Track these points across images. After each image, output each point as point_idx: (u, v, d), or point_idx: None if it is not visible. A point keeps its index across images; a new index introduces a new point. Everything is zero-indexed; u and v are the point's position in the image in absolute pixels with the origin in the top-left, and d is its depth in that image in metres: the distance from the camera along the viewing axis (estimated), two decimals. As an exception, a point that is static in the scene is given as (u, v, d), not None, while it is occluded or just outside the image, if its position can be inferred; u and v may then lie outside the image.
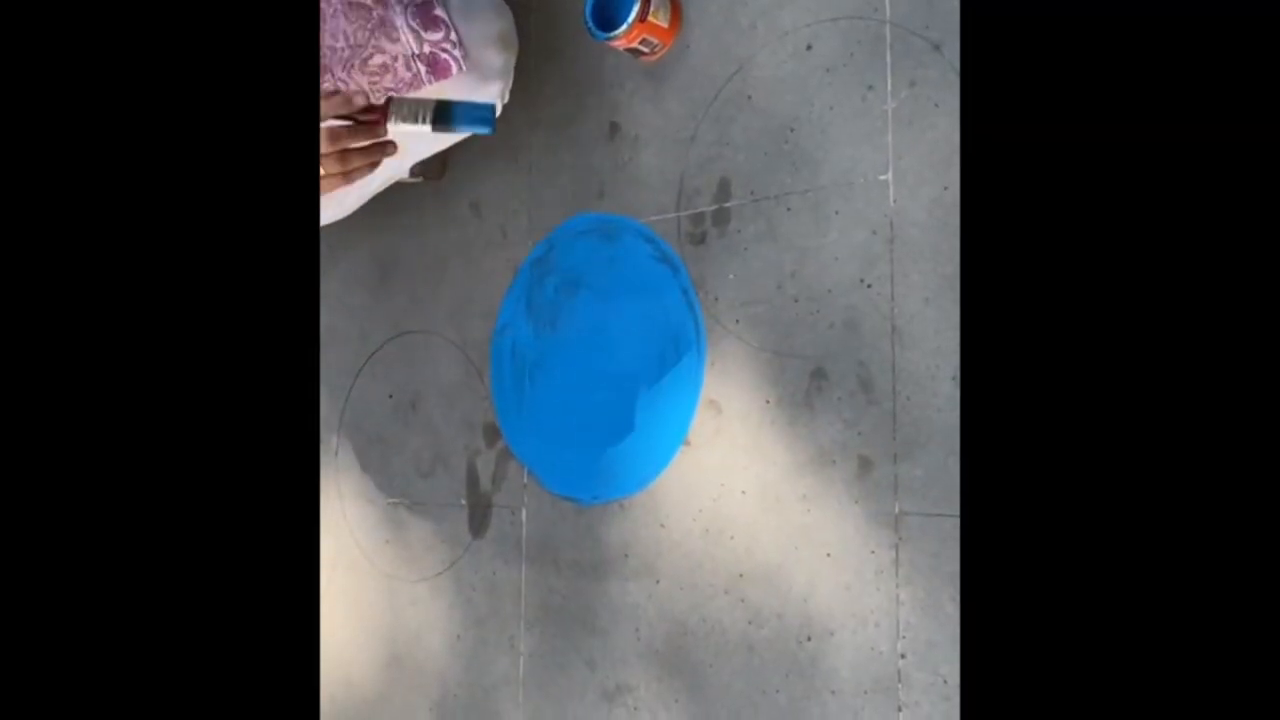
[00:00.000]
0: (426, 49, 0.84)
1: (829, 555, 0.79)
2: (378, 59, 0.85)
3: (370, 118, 0.71)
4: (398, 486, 1.13)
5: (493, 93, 0.89)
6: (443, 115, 0.75)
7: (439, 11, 0.85)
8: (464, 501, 1.07)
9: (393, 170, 0.97)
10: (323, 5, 0.85)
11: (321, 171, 0.69)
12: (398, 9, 0.84)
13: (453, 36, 0.85)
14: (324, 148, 0.68)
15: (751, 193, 0.86)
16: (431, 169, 1.10)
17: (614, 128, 0.96)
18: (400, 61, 0.85)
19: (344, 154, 0.69)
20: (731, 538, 0.85)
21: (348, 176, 0.70)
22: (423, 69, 0.84)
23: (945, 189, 0.75)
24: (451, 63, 0.85)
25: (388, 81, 0.85)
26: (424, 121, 0.74)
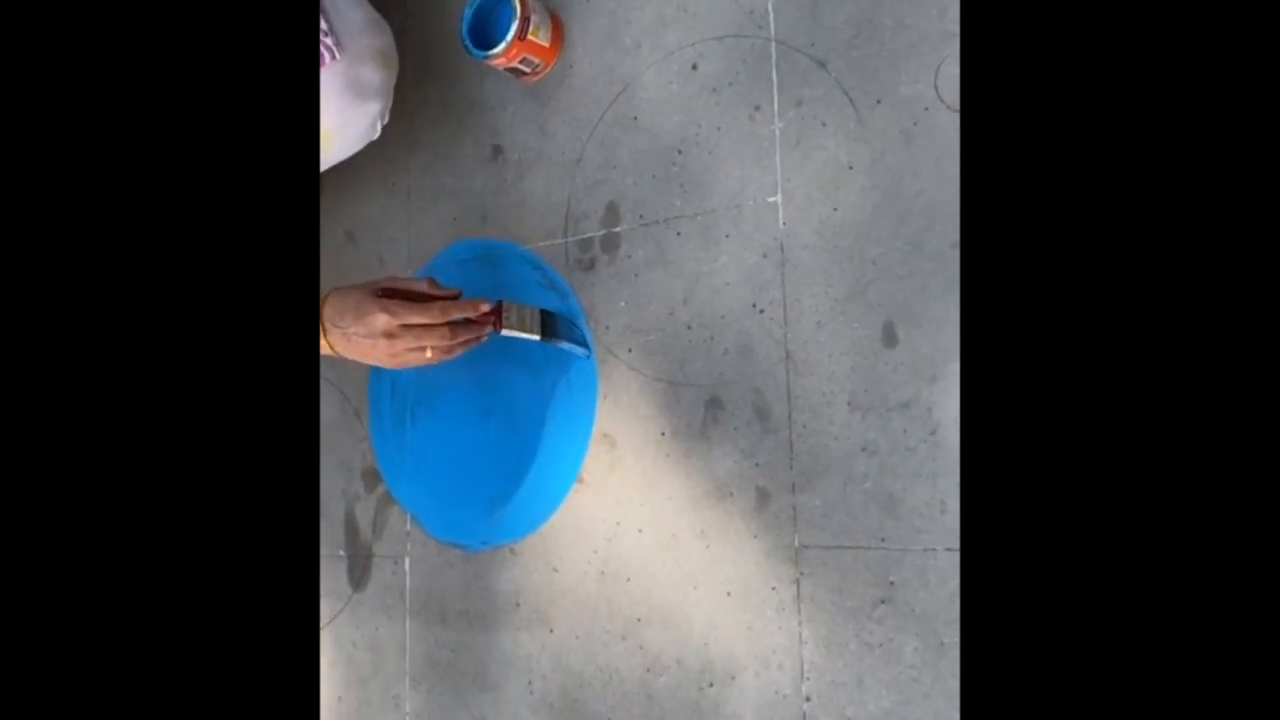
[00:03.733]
0: None
1: (729, 594, 0.75)
2: None
3: (486, 320, 0.78)
4: (270, 538, 1.04)
5: (371, 111, 0.84)
6: (549, 327, 0.81)
7: None
8: (343, 552, 0.99)
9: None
10: None
11: (429, 355, 0.77)
12: None
13: (323, 26, 0.79)
14: (445, 340, 0.76)
15: (640, 217, 0.82)
16: (303, 196, 1.03)
17: (496, 150, 0.91)
18: None
19: (453, 345, 0.78)
20: (628, 579, 0.81)
21: (450, 354, 0.78)
22: None
23: (834, 210, 0.73)
24: (324, 52, 0.79)
25: None
26: (533, 331, 0.80)
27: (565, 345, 0.82)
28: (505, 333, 0.79)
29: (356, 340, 0.76)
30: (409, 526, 0.94)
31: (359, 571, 0.97)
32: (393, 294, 0.77)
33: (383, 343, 0.76)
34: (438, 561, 0.92)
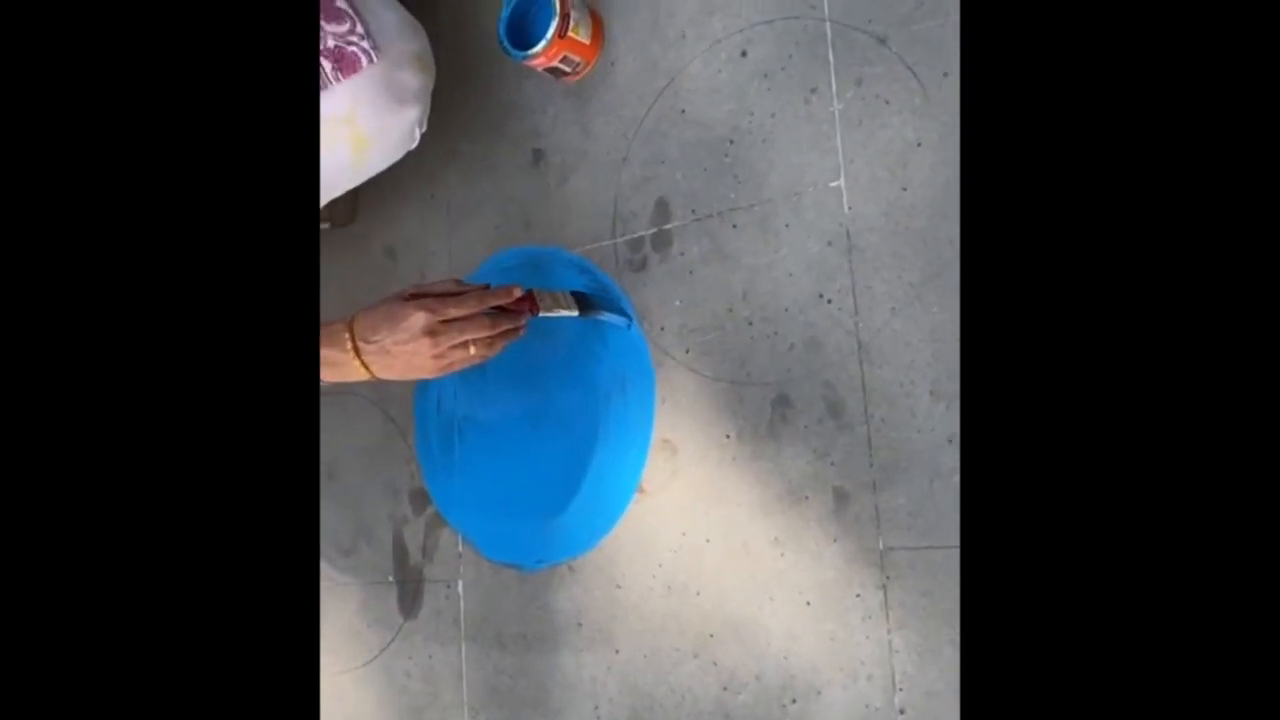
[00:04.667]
0: (331, 43, 0.76)
1: (808, 603, 0.71)
2: None
3: (520, 306, 0.74)
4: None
5: (410, 118, 0.81)
6: (585, 303, 0.79)
7: (341, 3, 0.76)
8: (392, 578, 0.95)
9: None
10: None
11: (472, 350, 0.73)
12: None
13: (359, 29, 0.76)
14: (486, 330, 0.72)
15: (693, 212, 0.79)
16: (340, 213, 1.00)
17: (537, 154, 0.88)
18: None
19: (494, 337, 0.74)
20: (697, 593, 0.76)
21: (493, 348, 0.74)
22: (328, 66, 0.76)
23: (904, 190, 0.69)
24: (361, 55, 0.76)
25: None
26: (570, 308, 0.77)
27: (604, 316, 0.80)
28: (543, 314, 0.75)
29: (396, 351, 0.72)
30: (461, 548, 0.91)
31: (410, 598, 0.94)
32: (422, 295, 0.73)
33: (425, 343, 0.71)
34: (493, 583, 0.88)
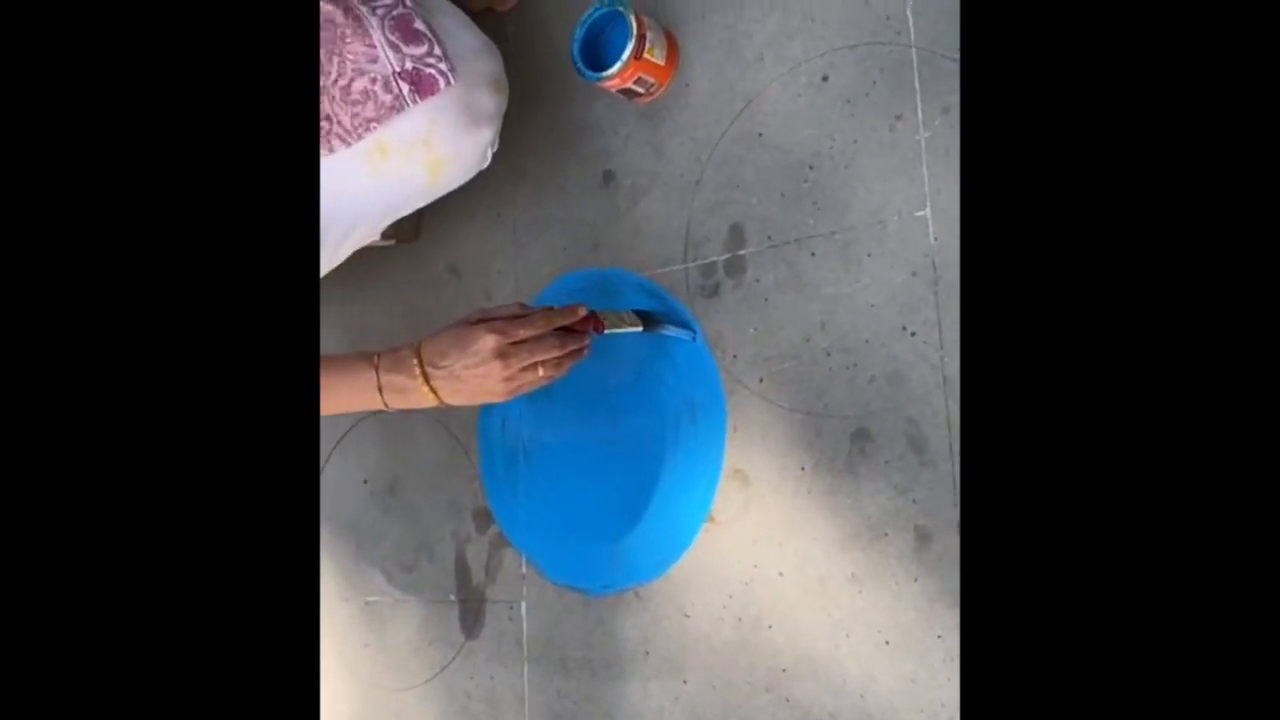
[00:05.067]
0: (409, 65, 0.75)
1: (887, 642, 0.69)
2: (359, 84, 0.75)
3: (585, 324, 0.74)
4: (376, 583, 1.01)
5: (484, 139, 0.81)
6: (649, 319, 0.78)
7: (419, 24, 0.76)
8: (454, 597, 0.95)
9: (364, 234, 0.88)
10: None
11: (540, 372, 0.72)
12: (373, 21, 0.75)
13: (437, 51, 0.76)
14: (555, 351, 0.72)
15: (769, 238, 0.78)
16: (404, 231, 1.00)
17: (608, 176, 0.88)
18: (379, 84, 0.75)
19: (562, 358, 0.73)
20: (770, 627, 0.75)
21: (561, 369, 0.73)
22: (405, 88, 0.75)
23: (994, 222, 0.67)
24: (439, 77, 0.76)
25: (369, 111, 0.75)
26: (634, 324, 0.77)
27: (669, 331, 0.80)
28: (608, 331, 0.75)
29: (465, 376, 0.72)
30: (524, 569, 0.90)
31: (471, 617, 0.93)
32: (489, 319, 0.73)
33: (496, 366, 0.71)
34: (557, 606, 0.87)
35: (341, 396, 0.74)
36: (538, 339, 0.72)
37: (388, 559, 1.00)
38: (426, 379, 0.72)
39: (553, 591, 0.88)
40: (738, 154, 0.80)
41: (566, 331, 0.74)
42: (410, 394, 0.73)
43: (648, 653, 0.81)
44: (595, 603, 0.85)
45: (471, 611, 0.94)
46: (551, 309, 0.74)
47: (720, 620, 0.77)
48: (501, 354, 0.71)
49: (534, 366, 0.72)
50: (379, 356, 0.73)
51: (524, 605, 0.90)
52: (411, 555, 0.99)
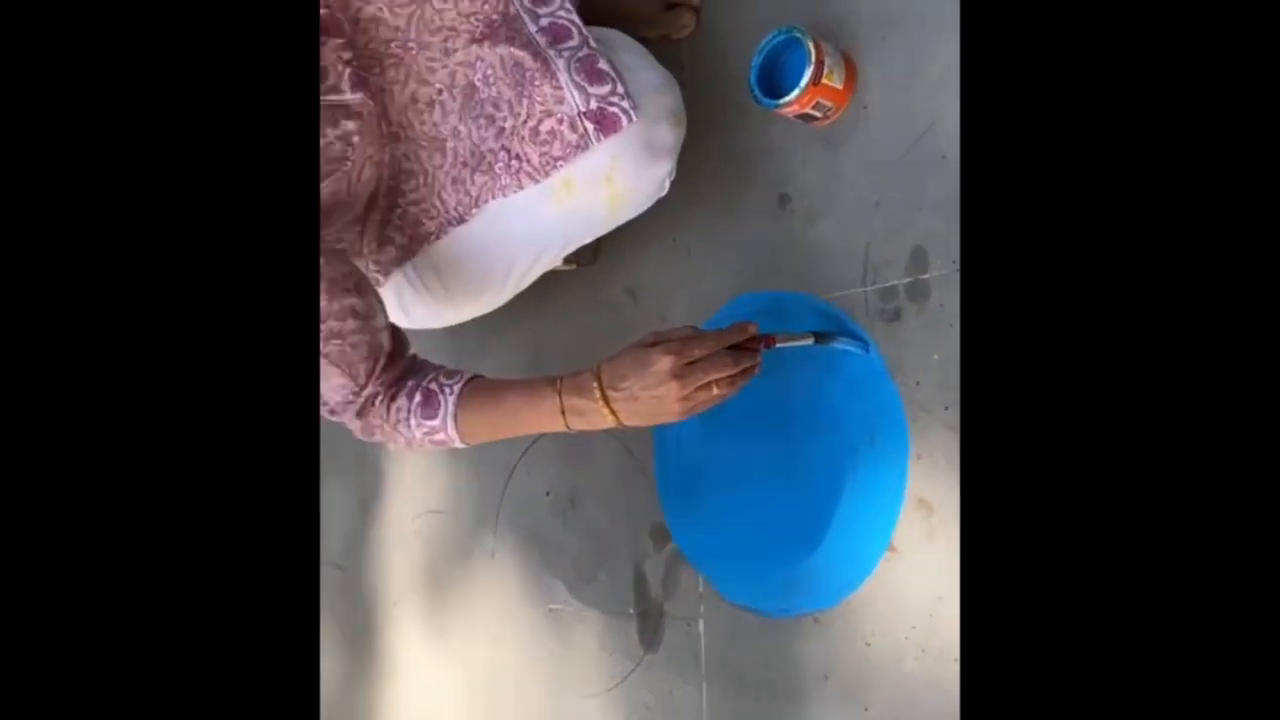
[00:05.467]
0: (594, 104, 0.78)
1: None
2: (546, 125, 0.79)
3: (757, 342, 0.74)
4: (559, 592, 1.06)
5: (663, 171, 0.83)
6: (820, 334, 0.78)
7: (603, 64, 0.79)
8: (633, 610, 0.98)
9: (549, 261, 0.92)
10: (476, 76, 0.80)
11: (715, 391, 0.72)
12: (560, 64, 0.79)
13: (619, 89, 0.79)
14: (729, 368, 0.72)
15: (954, 261, 0.76)
16: (584, 255, 1.04)
17: (783, 199, 0.88)
18: (566, 124, 0.79)
19: (736, 375, 0.73)
20: (955, 660, 0.74)
21: (734, 387, 0.73)
22: (590, 127, 0.78)
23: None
24: (621, 115, 0.78)
25: (556, 149, 0.79)
26: (804, 338, 0.77)
27: (841, 343, 0.79)
28: (779, 344, 0.75)
29: (644, 397, 0.73)
30: (702, 587, 0.92)
31: (650, 632, 0.96)
32: (663, 340, 0.74)
33: (673, 386, 0.72)
34: (734, 626, 0.89)
35: (527, 419, 0.78)
36: (711, 358, 0.73)
37: (568, 569, 1.05)
38: (607, 401, 0.75)
39: (729, 610, 0.89)
40: (920, 176, 0.78)
41: (738, 349, 0.74)
42: (591, 416, 0.76)
43: (827, 678, 0.81)
44: (773, 624, 0.86)
45: (650, 626, 0.97)
46: (723, 329, 0.75)
47: (903, 651, 0.77)
48: (677, 374, 0.72)
49: (709, 385, 0.73)
50: (561, 381, 0.77)
51: (701, 623, 0.92)
52: (591, 567, 1.03)
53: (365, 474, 1.32)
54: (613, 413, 0.75)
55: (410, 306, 0.94)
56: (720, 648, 0.90)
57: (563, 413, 0.76)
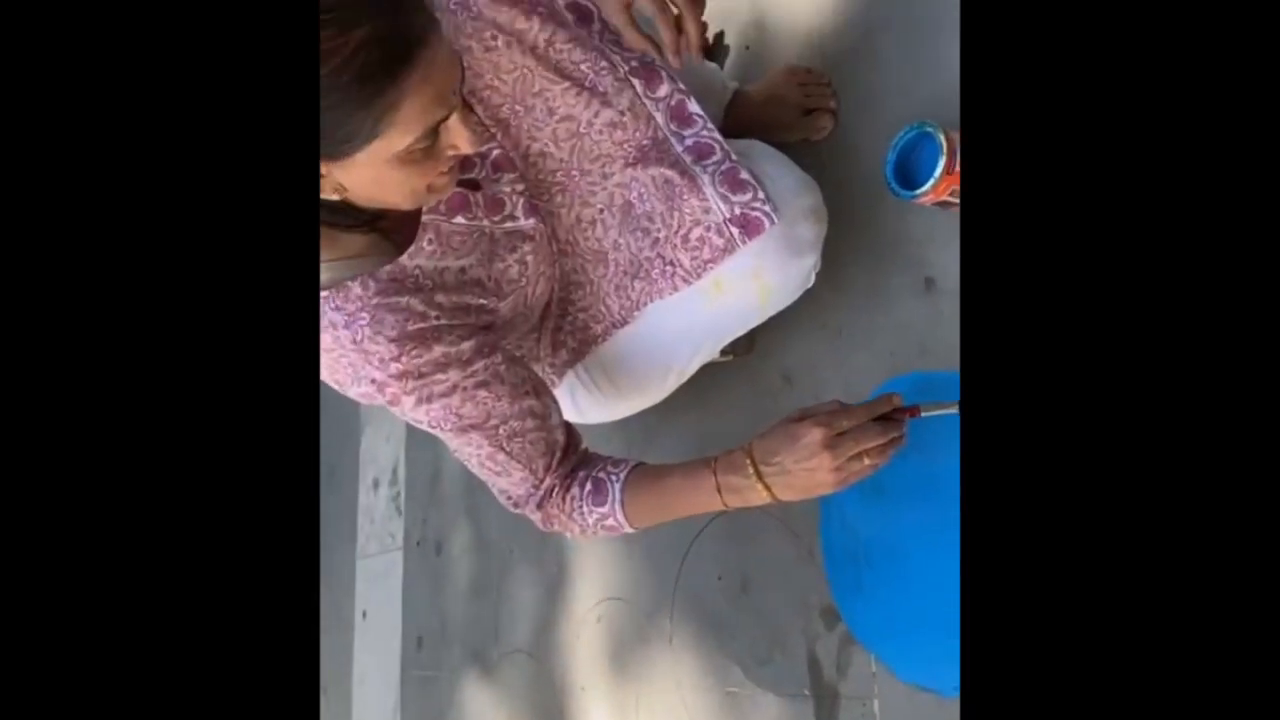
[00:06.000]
0: (737, 211, 0.85)
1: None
2: (696, 232, 0.87)
3: (903, 412, 0.78)
4: (734, 675, 1.08)
5: (807, 265, 0.89)
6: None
7: (744, 175, 0.86)
8: (808, 691, 1.00)
9: (707, 353, 0.99)
10: (632, 195, 0.89)
11: (866, 462, 0.76)
12: (705, 179, 0.87)
13: (760, 195, 0.85)
14: (878, 438, 0.75)
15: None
16: (740, 346, 1.10)
17: (929, 282, 0.91)
18: (713, 230, 0.86)
19: (885, 445, 0.76)
20: (1143, 740, 0.71)
21: (884, 456, 0.76)
22: (735, 231, 0.85)
23: None
24: (764, 218, 0.85)
25: (706, 254, 0.86)
26: (949, 407, 0.79)
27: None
28: (924, 414, 0.77)
29: (796, 470, 0.76)
30: (874, 667, 0.93)
31: (826, 713, 0.97)
32: (812, 415, 0.77)
33: (825, 458, 0.75)
34: (910, 707, 0.89)
35: (688, 500, 0.84)
36: (860, 429, 0.75)
37: (743, 652, 1.08)
38: (760, 477, 0.78)
39: (905, 691, 0.89)
40: (1061, 251, 0.80)
41: (886, 420, 0.77)
42: (746, 493, 0.80)
43: (1009, 760, 0.80)
44: (952, 704, 0.85)
45: (825, 707, 0.98)
46: (869, 401, 0.78)
47: (1086, 730, 0.75)
48: (829, 445, 0.75)
49: (859, 456, 0.76)
50: (716, 461, 0.81)
51: (876, 703, 0.92)
52: (765, 650, 1.05)
53: (548, 562, 1.41)
54: (767, 488, 0.78)
55: (582, 403, 1.03)
56: (897, 729, 0.90)
57: (719, 490, 0.81)
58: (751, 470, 0.78)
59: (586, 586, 1.33)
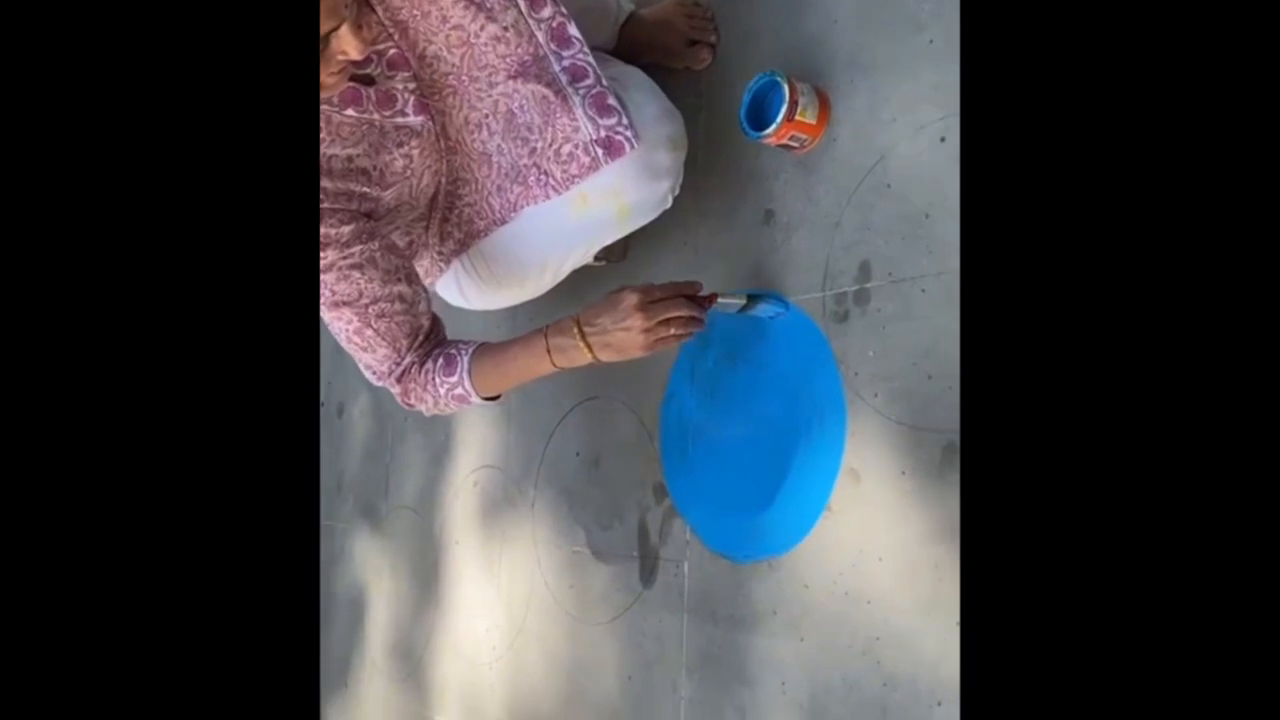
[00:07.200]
0: (603, 133, 0.97)
1: (959, 624, 0.82)
2: (566, 148, 0.98)
3: (701, 297, 0.92)
4: (580, 536, 1.25)
5: (663, 189, 1.01)
6: (751, 298, 0.97)
7: (611, 100, 0.97)
8: (635, 553, 1.17)
9: (578, 259, 1.11)
10: (514, 105, 0.99)
11: (672, 330, 0.89)
12: (577, 100, 0.97)
13: (624, 120, 0.96)
14: (685, 310, 0.88)
15: (890, 274, 0.91)
16: (615, 253, 1.23)
17: (768, 214, 1.04)
18: (581, 148, 0.98)
19: (690, 317, 0.89)
20: (869, 602, 0.89)
21: (688, 328, 0.90)
22: (600, 152, 0.97)
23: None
24: (625, 142, 0.97)
25: (574, 169, 0.98)
26: (739, 299, 0.96)
27: (762, 307, 0.99)
28: (720, 299, 0.94)
29: (614, 331, 0.89)
30: (688, 536, 1.10)
31: (647, 571, 1.15)
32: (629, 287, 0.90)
33: (639, 318, 0.87)
34: (710, 568, 1.06)
35: (523, 363, 0.96)
36: (670, 299, 0.89)
37: (589, 518, 1.24)
38: (583, 337, 0.90)
39: (708, 556, 1.07)
40: (870, 201, 0.94)
41: (692, 302, 0.91)
42: (571, 352, 0.92)
43: (775, 613, 0.98)
44: (739, 568, 1.03)
45: (648, 567, 1.15)
46: (677, 281, 0.92)
47: (831, 593, 0.93)
48: (642, 308, 0.88)
49: (667, 324, 0.89)
50: (548, 327, 0.94)
51: (686, 565, 1.10)
52: (608, 517, 1.22)
53: (436, 431, 1.55)
54: (589, 347, 0.91)
55: (468, 289, 1.15)
56: (699, 586, 1.08)
57: (549, 352, 0.93)
58: (576, 331, 0.91)
59: (466, 455, 1.48)
